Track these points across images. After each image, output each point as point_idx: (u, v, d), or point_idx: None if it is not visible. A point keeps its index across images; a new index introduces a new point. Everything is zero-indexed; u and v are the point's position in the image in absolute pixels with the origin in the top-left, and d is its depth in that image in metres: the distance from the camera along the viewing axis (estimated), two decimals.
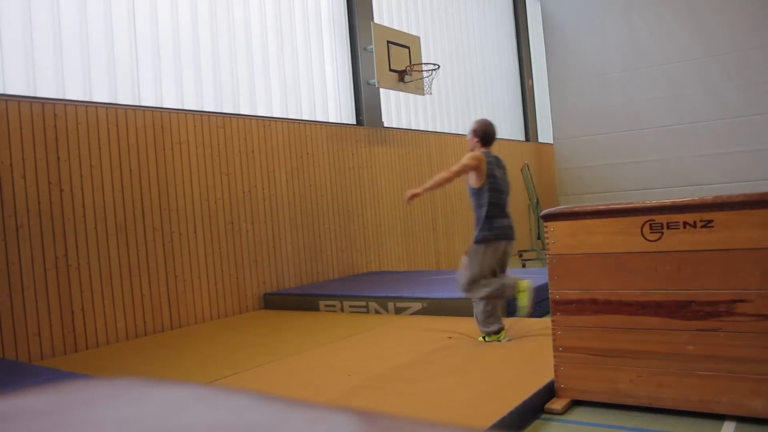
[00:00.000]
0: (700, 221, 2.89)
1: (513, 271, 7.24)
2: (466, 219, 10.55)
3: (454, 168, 4.37)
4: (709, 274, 2.87)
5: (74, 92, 5.52)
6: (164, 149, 6.04)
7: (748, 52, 11.48)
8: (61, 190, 5.23)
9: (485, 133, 4.54)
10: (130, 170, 5.75)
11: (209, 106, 6.65)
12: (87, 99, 5.59)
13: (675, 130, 12.27)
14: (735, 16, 11.61)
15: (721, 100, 11.80)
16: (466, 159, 4.38)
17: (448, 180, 4.37)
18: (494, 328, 4.37)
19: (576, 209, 3.26)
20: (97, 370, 4.45)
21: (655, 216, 2.99)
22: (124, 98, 5.89)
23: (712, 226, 2.86)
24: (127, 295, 5.62)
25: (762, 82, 11.39)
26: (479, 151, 4.47)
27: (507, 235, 4.37)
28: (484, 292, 4.29)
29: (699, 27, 11.99)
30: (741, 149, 11.60)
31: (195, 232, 6.24)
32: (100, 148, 5.53)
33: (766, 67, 11.34)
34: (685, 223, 2.92)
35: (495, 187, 4.37)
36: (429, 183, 4.44)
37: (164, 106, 6.21)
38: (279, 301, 6.74)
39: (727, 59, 11.70)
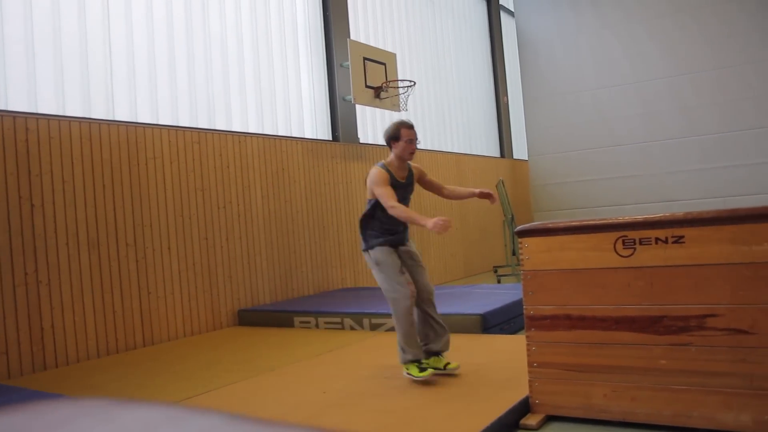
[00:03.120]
0: (672, 237, 2.93)
1: (484, 287, 7.28)
2: (440, 236, 10.57)
3: None
4: (681, 289, 2.91)
5: (47, 106, 5.46)
6: (138, 164, 5.99)
7: (719, 71, 11.72)
8: (32, 206, 5.15)
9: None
10: (104, 185, 5.69)
11: (184, 121, 6.62)
12: (60, 113, 5.53)
13: (647, 147, 12.45)
14: (706, 37, 11.86)
15: (692, 117, 12.02)
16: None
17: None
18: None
19: (550, 225, 3.28)
20: (67, 389, 4.37)
21: (628, 232, 3.02)
22: (98, 112, 5.84)
23: (684, 242, 2.90)
24: (98, 312, 5.53)
25: (732, 100, 11.62)
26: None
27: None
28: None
29: (670, 46, 12.22)
30: (712, 166, 11.80)
31: (169, 248, 6.18)
32: (72, 162, 5.46)
33: (737, 86, 11.57)
34: (657, 239, 2.96)
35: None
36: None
37: (139, 120, 6.16)
38: (253, 317, 6.68)
39: (698, 78, 11.93)
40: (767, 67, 11.36)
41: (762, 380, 2.74)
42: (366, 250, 4.13)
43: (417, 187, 4.36)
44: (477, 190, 4.33)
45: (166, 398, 3.97)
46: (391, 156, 4.20)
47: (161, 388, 4.26)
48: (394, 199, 3.94)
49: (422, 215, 3.88)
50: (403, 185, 4.19)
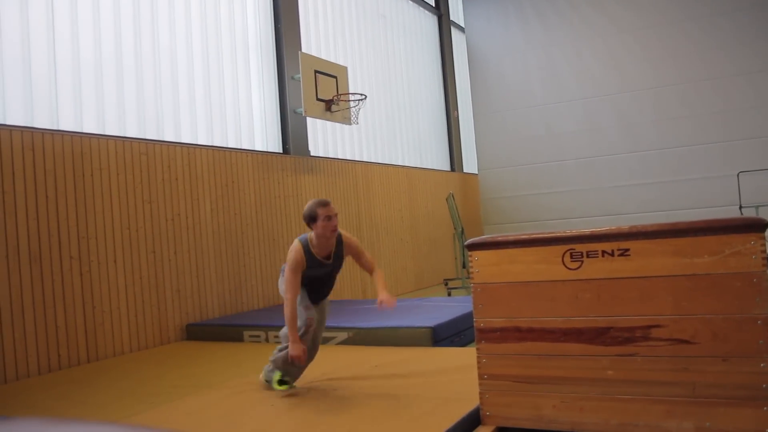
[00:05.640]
0: (618, 250, 2.99)
1: (435, 300, 7.31)
2: (391, 249, 10.59)
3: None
4: (627, 301, 2.97)
5: None
6: (84, 176, 5.85)
7: (661, 89, 12.12)
8: None
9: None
10: (47, 197, 5.53)
11: (132, 132, 6.49)
12: (1, 122, 5.36)
13: (593, 162, 12.76)
14: (647, 56, 12.26)
15: (635, 133, 12.38)
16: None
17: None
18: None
19: (499, 239, 3.32)
20: (7, 408, 4.22)
21: (575, 245, 3.08)
22: (41, 122, 5.68)
23: (629, 255, 2.96)
24: (40, 328, 5.36)
25: (672, 117, 12.02)
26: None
27: None
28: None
29: (615, 64, 12.58)
30: (654, 181, 12.16)
31: (115, 261, 6.04)
32: (14, 173, 5.30)
33: (676, 104, 11.97)
34: (603, 252, 3.02)
35: None
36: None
37: (84, 130, 6.02)
38: (202, 331, 6.57)
39: (640, 95, 12.31)
40: (705, 86, 11.78)
41: (702, 388, 2.81)
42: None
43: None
44: (381, 293, 3.96)
45: (108, 416, 3.86)
46: (313, 235, 4.04)
47: (103, 406, 4.14)
48: (294, 292, 3.94)
49: (296, 337, 3.87)
50: (324, 266, 4.07)
